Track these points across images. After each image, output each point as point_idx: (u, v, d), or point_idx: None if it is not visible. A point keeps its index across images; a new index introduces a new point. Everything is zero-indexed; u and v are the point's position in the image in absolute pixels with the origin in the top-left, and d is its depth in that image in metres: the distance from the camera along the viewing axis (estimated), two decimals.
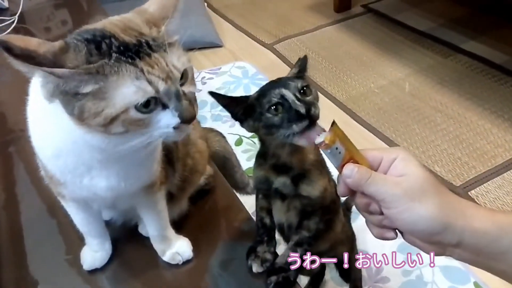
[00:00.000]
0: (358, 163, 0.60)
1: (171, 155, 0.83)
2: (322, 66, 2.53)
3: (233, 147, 1.33)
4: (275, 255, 0.82)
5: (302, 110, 0.66)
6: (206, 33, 2.73)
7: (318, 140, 0.63)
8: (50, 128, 0.62)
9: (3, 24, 1.67)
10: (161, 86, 0.55)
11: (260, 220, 0.84)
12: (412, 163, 0.59)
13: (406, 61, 2.49)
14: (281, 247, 0.86)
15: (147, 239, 0.86)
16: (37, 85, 0.59)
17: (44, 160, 0.69)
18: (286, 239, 0.90)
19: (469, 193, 1.71)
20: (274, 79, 0.75)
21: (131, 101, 0.54)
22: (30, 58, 0.51)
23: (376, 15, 2.92)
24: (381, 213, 0.60)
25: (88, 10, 1.90)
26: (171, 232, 0.86)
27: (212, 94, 0.73)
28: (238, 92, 2.28)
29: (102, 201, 0.76)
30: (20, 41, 0.51)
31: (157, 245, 0.86)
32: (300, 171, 0.77)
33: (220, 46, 2.74)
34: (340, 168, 0.61)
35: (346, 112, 2.18)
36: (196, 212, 0.95)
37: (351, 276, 1.21)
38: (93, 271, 0.84)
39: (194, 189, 0.94)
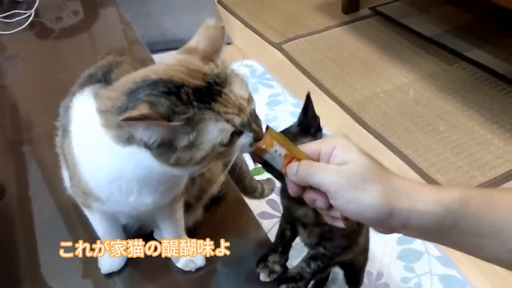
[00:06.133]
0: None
1: None
2: (329, 68, 2.55)
3: None
4: (285, 268, 0.84)
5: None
6: None
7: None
8: (106, 157, 0.63)
9: (19, 18, 1.66)
10: (237, 121, 0.59)
11: (281, 231, 0.87)
12: (351, 150, 0.58)
13: (411, 67, 2.51)
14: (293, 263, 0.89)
15: None
16: (98, 122, 0.61)
17: (92, 183, 0.69)
18: None
19: None
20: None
21: (216, 142, 0.58)
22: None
23: (383, 18, 2.94)
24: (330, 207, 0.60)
25: (100, 1, 1.90)
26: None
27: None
28: None
29: (135, 214, 0.79)
30: None
31: None
32: None
33: (229, 43, 2.74)
34: (284, 169, 0.62)
35: (352, 116, 2.20)
36: (208, 220, 0.98)
37: (359, 283, 1.23)
38: (109, 274, 0.87)
39: (208, 198, 0.97)
